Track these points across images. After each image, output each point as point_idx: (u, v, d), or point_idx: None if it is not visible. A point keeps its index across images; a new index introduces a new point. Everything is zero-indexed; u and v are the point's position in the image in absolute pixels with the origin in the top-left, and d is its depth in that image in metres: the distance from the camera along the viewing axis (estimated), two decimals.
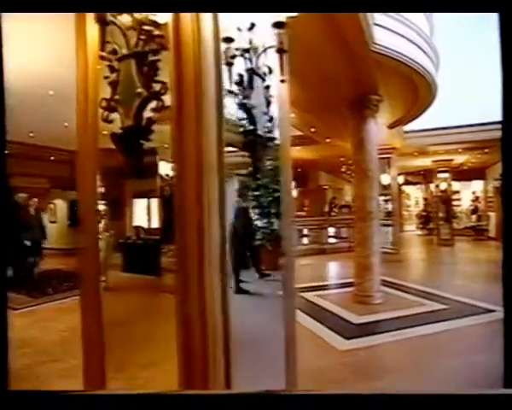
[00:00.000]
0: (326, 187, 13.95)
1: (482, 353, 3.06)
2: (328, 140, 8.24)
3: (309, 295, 5.62)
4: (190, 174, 1.18)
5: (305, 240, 10.98)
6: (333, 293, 5.80)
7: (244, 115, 1.61)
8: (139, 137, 1.21)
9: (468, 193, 15.46)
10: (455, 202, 15.56)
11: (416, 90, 5.08)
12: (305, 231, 10.72)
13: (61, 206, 13.04)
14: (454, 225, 13.97)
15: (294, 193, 12.31)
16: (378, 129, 5.47)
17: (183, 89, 1.18)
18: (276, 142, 1.80)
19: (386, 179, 9.05)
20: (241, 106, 1.59)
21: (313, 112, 6.29)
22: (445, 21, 6.48)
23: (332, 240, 11.32)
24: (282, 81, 1.75)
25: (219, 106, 1.24)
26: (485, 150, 9.57)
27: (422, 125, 8.81)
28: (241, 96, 1.58)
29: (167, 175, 1.42)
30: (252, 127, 1.61)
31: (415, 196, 19.40)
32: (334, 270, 8.33)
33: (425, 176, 15.09)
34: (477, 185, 14.93)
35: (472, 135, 8.23)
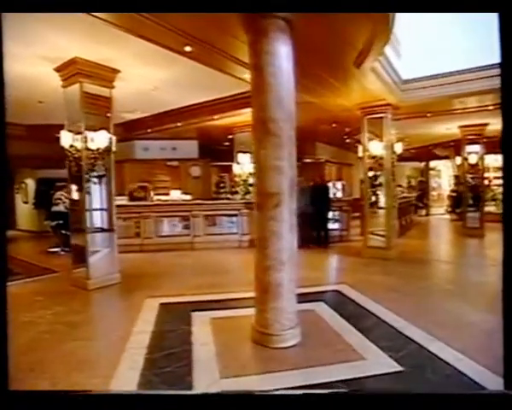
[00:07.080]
0: (322, 160, 11.52)
1: None
2: None
3: (204, 318, 3.74)
4: None
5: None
6: (241, 316, 3.78)
7: None
8: None
9: None
10: (496, 181, 12.72)
11: None
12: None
13: (31, 186, 12.07)
14: (493, 210, 11.27)
15: None
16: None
17: None
18: None
19: (376, 148, 6.63)
20: None
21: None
22: None
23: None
24: None
25: None
26: None
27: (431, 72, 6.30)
28: None
29: None
30: None
31: (448, 173, 16.35)
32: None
33: (455, 148, 12.10)
34: None
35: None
